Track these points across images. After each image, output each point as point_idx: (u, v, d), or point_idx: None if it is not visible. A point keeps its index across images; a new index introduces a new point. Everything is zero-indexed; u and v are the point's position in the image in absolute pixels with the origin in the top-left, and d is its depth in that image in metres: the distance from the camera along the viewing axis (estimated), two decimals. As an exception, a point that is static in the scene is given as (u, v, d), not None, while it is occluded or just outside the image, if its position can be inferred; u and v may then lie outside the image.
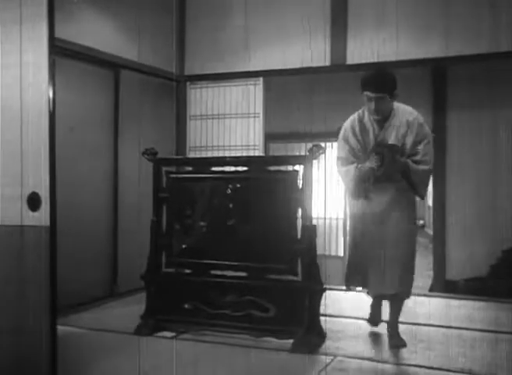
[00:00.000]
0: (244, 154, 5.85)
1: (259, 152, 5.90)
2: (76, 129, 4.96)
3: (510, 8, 4.91)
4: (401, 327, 3.97)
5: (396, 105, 3.77)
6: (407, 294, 3.83)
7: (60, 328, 3.04)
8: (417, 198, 3.91)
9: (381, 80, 3.63)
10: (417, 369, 3.49)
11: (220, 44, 6.00)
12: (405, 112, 3.74)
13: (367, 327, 4.28)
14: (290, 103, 6.88)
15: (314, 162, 3.95)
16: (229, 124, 6.05)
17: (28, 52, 2.86)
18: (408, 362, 3.58)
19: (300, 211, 3.95)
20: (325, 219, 7.54)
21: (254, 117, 5.94)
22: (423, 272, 6.96)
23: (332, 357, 3.69)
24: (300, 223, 3.95)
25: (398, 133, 3.70)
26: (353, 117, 3.86)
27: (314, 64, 5.48)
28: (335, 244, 7.65)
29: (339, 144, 3.94)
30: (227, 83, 6.05)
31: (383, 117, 3.72)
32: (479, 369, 3.47)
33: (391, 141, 3.70)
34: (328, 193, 7.62)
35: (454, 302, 5.27)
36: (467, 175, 6.13)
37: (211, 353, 3.84)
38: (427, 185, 3.85)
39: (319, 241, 4.13)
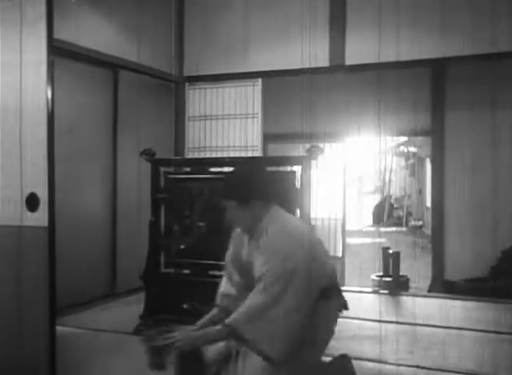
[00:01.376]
0: (243, 154, 5.86)
1: (257, 153, 5.91)
2: (75, 129, 4.96)
3: (510, 9, 4.92)
4: (400, 327, 3.97)
5: (272, 217, 2.55)
6: None
7: (59, 328, 3.05)
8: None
9: (223, 185, 2.74)
10: (416, 369, 3.49)
11: (219, 45, 5.99)
12: (269, 231, 2.49)
13: (366, 327, 4.27)
14: (289, 104, 6.88)
15: (313, 162, 3.96)
16: (228, 125, 6.05)
17: (27, 53, 2.87)
18: (407, 363, 3.58)
19: (298, 211, 3.95)
20: (323, 219, 7.54)
21: (253, 118, 5.94)
22: (422, 273, 6.96)
23: (330, 357, 3.69)
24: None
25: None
26: None
27: (313, 65, 5.48)
28: (333, 245, 7.64)
29: None
30: (226, 84, 6.05)
31: (247, 231, 2.69)
32: (478, 369, 3.48)
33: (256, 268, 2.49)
34: (327, 193, 7.62)
35: (453, 303, 5.27)
36: (466, 175, 6.13)
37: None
38: (280, 342, 2.30)
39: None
